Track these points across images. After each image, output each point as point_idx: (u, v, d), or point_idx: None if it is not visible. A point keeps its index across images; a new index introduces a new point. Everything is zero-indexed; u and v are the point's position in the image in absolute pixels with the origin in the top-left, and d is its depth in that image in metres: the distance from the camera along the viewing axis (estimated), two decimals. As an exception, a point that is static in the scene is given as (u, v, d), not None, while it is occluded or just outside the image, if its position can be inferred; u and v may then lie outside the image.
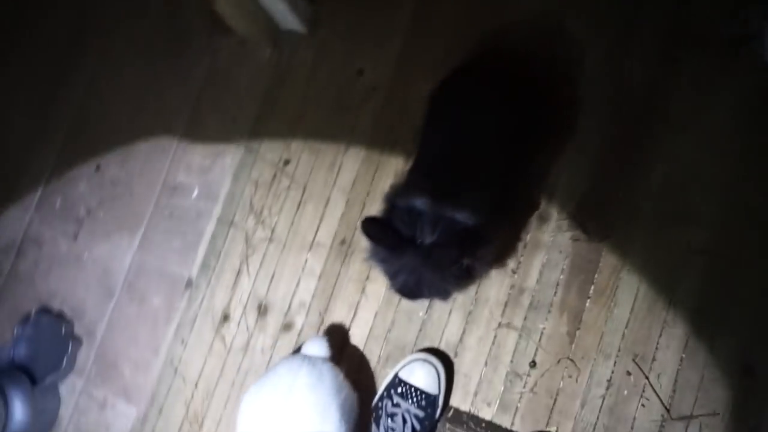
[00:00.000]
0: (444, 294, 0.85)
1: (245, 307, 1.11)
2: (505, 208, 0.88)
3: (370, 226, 0.79)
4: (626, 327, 0.88)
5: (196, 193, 1.21)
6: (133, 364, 1.19)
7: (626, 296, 0.88)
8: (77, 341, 1.25)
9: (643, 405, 0.85)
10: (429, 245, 0.77)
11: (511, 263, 0.96)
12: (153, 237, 1.23)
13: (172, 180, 1.24)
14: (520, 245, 0.96)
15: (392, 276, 0.83)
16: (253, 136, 1.18)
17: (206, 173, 1.21)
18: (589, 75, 0.98)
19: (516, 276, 0.95)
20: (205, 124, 1.25)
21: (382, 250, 0.82)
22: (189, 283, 1.17)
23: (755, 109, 0.88)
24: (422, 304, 0.99)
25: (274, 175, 1.14)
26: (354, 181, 1.08)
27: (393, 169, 1.05)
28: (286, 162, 1.14)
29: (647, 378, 0.85)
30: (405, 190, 0.82)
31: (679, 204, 0.89)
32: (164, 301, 1.19)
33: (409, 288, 0.82)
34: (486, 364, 0.94)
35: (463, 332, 0.96)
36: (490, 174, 0.85)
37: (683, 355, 0.85)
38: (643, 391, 0.85)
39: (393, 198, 0.83)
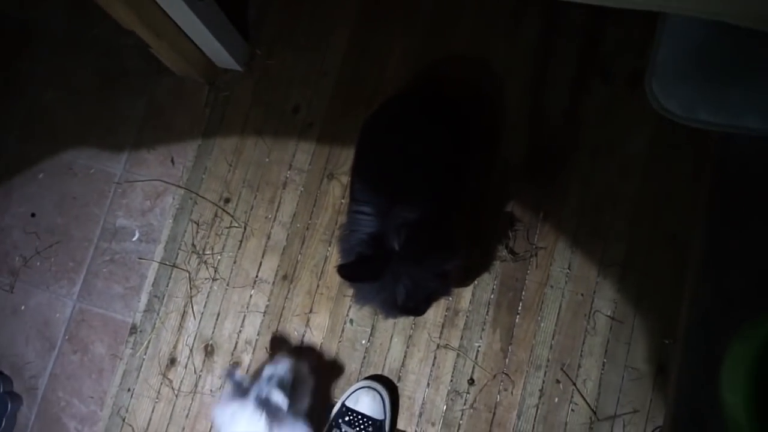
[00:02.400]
0: (444, 282, 0.94)
1: (192, 349, 1.28)
2: (447, 204, 1.00)
3: (345, 270, 0.88)
4: (553, 338, 1.09)
5: (136, 236, 1.39)
6: (78, 418, 1.33)
7: (551, 310, 1.09)
8: (17, 399, 1.37)
9: (572, 410, 1.05)
10: (403, 243, 0.87)
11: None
12: (94, 284, 1.39)
13: (112, 224, 1.41)
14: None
15: (392, 299, 0.91)
16: (193, 175, 1.37)
17: (146, 215, 1.39)
18: (513, 103, 1.21)
19: (451, 299, 1.15)
20: (144, 165, 1.42)
21: (369, 286, 0.92)
22: (133, 329, 1.33)
23: (656, 138, 1.14)
24: (365, 332, 1.19)
25: (215, 214, 1.33)
26: (294, 216, 1.27)
27: (330, 201, 1.25)
28: (227, 200, 1.33)
29: (574, 384, 1.06)
30: (354, 220, 0.95)
31: (595, 222, 1.12)
32: (108, 350, 1.35)
33: (412, 294, 0.90)
34: (428, 385, 1.14)
35: (405, 356, 1.15)
36: (426, 182, 0.97)
37: (605, 360, 1.06)
38: (572, 397, 1.06)
39: (347, 235, 0.96)
